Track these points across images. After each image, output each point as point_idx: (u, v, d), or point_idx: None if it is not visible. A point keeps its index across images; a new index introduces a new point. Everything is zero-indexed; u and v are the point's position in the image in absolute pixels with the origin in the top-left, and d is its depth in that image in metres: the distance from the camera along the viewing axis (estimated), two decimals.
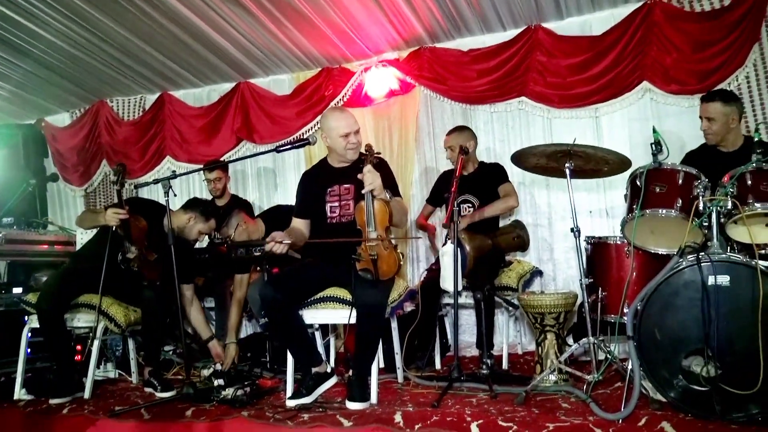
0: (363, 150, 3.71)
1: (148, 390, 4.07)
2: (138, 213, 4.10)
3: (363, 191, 3.49)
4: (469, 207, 4.67)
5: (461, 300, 4.21)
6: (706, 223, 3.05)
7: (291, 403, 3.44)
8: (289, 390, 3.66)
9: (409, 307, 4.36)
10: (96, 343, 4.04)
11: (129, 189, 6.42)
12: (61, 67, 5.85)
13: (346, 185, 3.77)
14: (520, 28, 5.27)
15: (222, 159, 6.13)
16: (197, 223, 4.32)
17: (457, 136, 4.70)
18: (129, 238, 3.98)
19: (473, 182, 4.68)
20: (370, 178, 3.44)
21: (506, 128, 5.47)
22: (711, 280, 2.82)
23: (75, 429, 3.45)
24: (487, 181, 4.68)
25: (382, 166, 3.68)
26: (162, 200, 3.92)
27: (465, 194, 4.67)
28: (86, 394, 3.95)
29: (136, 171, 6.50)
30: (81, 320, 4.14)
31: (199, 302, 4.56)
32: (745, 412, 2.70)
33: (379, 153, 3.68)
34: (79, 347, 4.49)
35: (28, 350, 4.27)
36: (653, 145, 3.25)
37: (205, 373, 4.17)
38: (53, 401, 3.82)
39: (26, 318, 4.26)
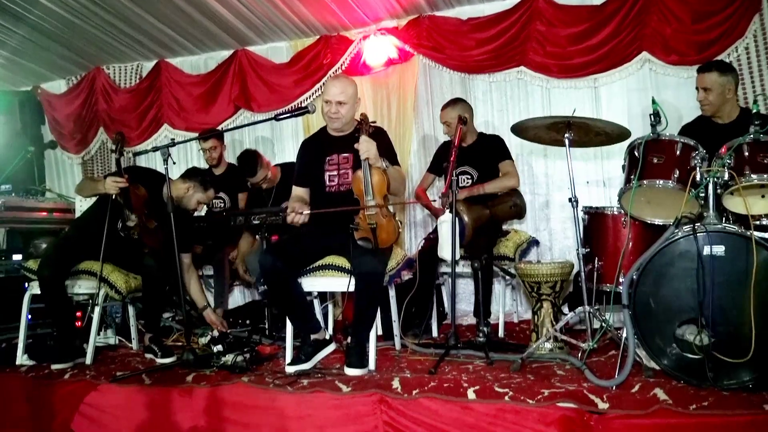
0: (358, 118, 3.72)
1: (148, 356, 4.12)
2: (137, 181, 4.11)
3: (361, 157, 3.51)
4: (467, 178, 4.68)
5: (459, 269, 4.24)
6: (702, 194, 3.07)
7: (290, 369, 3.48)
8: (288, 356, 3.70)
9: (406, 275, 4.40)
10: (97, 309, 4.08)
11: (127, 157, 6.42)
12: (57, 34, 5.79)
13: (344, 154, 3.78)
14: None
15: (220, 127, 6.11)
16: (196, 193, 4.34)
17: (451, 110, 4.69)
18: (129, 206, 4.00)
19: (472, 154, 4.67)
20: (365, 146, 3.45)
21: (505, 98, 5.45)
22: (706, 250, 2.85)
23: (77, 394, 3.50)
24: (487, 153, 4.69)
25: (379, 135, 3.69)
26: (160, 168, 3.93)
27: (464, 166, 4.67)
28: (87, 360, 4.00)
29: (133, 139, 6.46)
30: (81, 287, 4.17)
31: (196, 271, 4.59)
32: (736, 379, 2.76)
33: (374, 122, 3.68)
34: (79, 314, 4.52)
35: (29, 316, 4.31)
36: (652, 116, 3.26)
37: (203, 341, 4.22)
38: (55, 367, 3.87)
39: (27, 284, 4.29)
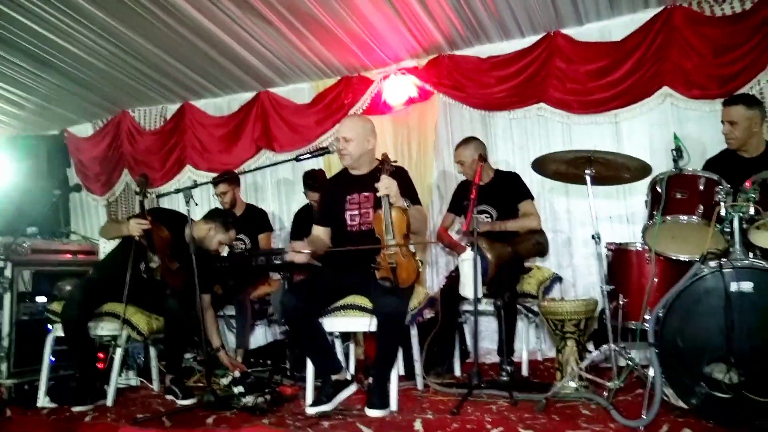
0: (379, 158, 3.73)
1: (169, 398, 4.10)
2: (160, 223, 4.14)
3: (379, 196, 3.49)
4: (486, 217, 4.60)
5: (481, 307, 4.20)
6: (728, 229, 3.02)
7: (311, 411, 3.43)
8: (309, 397, 3.66)
9: (428, 314, 4.36)
10: (119, 351, 4.08)
11: (151, 198, 6.50)
12: (85, 79, 5.94)
13: (365, 193, 3.78)
14: (539, 35, 5.27)
15: (241, 168, 6.18)
16: (217, 234, 4.35)
17: (464, 149, 4.68)
18: (152, 247, 4.03)
19: (490, 192, 4.60)
20: (385, 184, 3.45)
21: (525, 135, 5.45)
22: (734, 287, 2.79)
23: None
24: (505, 191, 4.63)
25: (400, 175, 3.68)
26: (183, 209, 3.96)
27: (482, 204, 4.60)
28: (108, 402, 3.99)
29: (156, 180, 6.57)
30: (104, 329, 4.17)
31: (213, 312, 4.59)
32: None
33: (395, 161, 3.68)
34: (101, 355, 4.53)
35: (52, 358, 4.32)
36: (674, 151, 3.23)
37: (225, 381, 4.20)
38: (76, 409, 3.86)
39: (50, 327, 4.31)
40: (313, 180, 5.30)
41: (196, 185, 3.99)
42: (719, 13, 4.75)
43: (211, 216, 4.48)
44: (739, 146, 3.93)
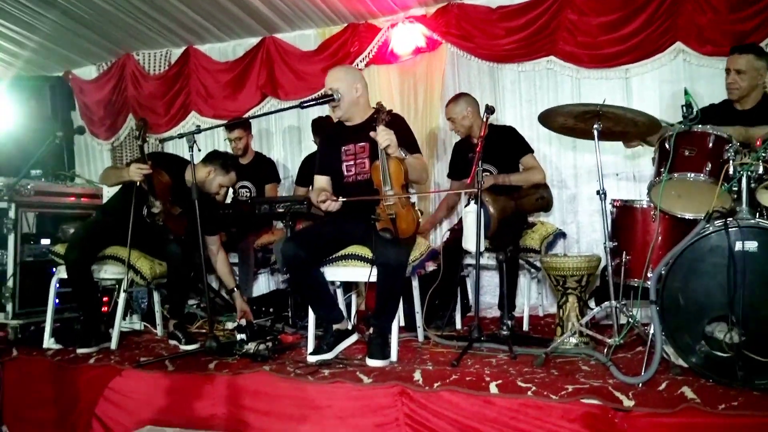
0: (374, 105, 3.64)
1: (172, 342, 4.15)
2: (161, 168, 4.12)
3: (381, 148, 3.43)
4: (486, 175, 4.52)
5: (483, 261, 4.19)
6: (735, 188, 2.98)
7: (312, 359, 3.48)
8: (311, 346, 3.69)
9: (431, 266, 4.37)
10: (123, 295, 4.11)
11: (154, 144, 6.48)
12: (88, 19, 5.82)
13: (360, 144, 3.73)
14: None
15: (246, 115, 6.12)
16: (217, 176, 4.31)
17: (454, 106, 4.61)
18: (153, 192, 4.01)
19: (487, 149, 4.36)
20: (384, 136, 3.37)
21: (534, 88, 5.37)
22: (738, 246, 2.77)
23: (101, 378, 3.54)
24: (502, 146, 4.52)
25: (397, 123, 3.61)
26: (186, 155, 3.93)
27: (482, 163, 4.54)
28: (112, 345, 4.04)
29: (161, 126, 6.52)
30: (108, 272, 4.20)
31: (225, 253, 4.58)
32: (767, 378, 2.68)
33: (390, 110, 3.60)
34: (105, 299, 4.56)
35: (57, 300, 4.35)
36: (684, 107, 3.17)
37: (230, 325, 4.23)
38: (80, 351, 3.90)
39: (54, 269, 4.33)
40: (320, 127, 5.23)
41: (200, 130, 3.92)
42: None
43: (210, 158, 4.41)
44: (741, 96, 3.88)
